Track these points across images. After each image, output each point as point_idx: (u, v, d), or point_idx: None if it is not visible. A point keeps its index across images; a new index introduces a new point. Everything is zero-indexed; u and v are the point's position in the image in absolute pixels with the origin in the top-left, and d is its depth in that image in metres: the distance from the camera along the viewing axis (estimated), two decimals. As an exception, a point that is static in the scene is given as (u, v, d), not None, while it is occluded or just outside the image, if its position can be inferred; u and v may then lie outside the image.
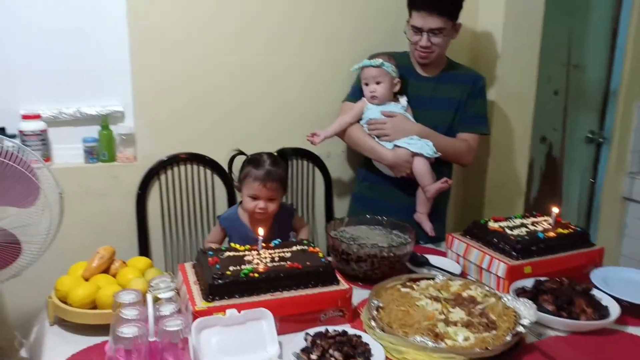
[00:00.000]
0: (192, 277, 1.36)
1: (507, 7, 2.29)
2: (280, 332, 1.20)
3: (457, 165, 2.15)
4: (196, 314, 1.19)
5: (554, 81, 2.80)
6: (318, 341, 1.18)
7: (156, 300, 1.18)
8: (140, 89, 1.99)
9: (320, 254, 1.42)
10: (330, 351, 1.14)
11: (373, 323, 1.26)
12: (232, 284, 1.26)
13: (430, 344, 1.15)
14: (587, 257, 1.61)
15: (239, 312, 1.20)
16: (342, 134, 2.03)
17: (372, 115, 1.96)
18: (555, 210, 1.69)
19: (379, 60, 1.92)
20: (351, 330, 1.24)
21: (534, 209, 2.61)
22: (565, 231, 1.63)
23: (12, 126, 1.87)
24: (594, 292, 1.43)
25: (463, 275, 1.63)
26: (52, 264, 1.44)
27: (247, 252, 1.40)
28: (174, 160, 2.06)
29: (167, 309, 1.14)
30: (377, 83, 1.94)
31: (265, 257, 1.37)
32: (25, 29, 1.85)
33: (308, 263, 1.35)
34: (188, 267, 1.42)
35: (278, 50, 2.13)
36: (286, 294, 1.28)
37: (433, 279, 1.46)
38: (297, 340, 1.20)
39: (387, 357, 1.16)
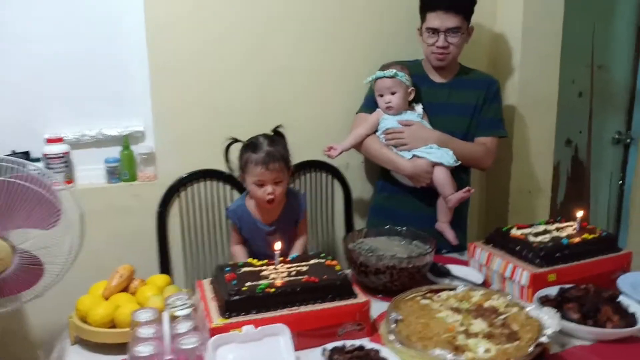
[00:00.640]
0: (209, 293, 1.37)
1: (526, 9, 2.26)
2: (297, 347, 1.19)
3: (479, 172, 2.11)
4: (213, 331, 1.19)
5: (578, 83, 2.74)
6: (335, 356, 1.16)
7: (173, 318, 1.18)
8: (160, 109, 2.03)
9: (338, 267, 1.41)
10: (348, 366, 1.12)
11: (392, 336, 1.24)
12: (249, 299, 1.26)
13: (449, 356, 1.12)
14: (614, 263, 1.56)
15: (256, 328, 1.20)
16: (358, 146, 2.03)
17: (389, 125, 1.95)
18: (579, 214, 1.64)
19: (392, 71, 1.91)
20: (369, 344, 1.22)
21: (561, 213, 2.56)
22: (591, 236, 1.58)
23: (37, 149, 1.93)
24: (621, 298, 1.38)
25: (486, 284, 1.59)
26: (75, 282, 1.46)
27: (264, 267, 1.40)
28: (193, 177, 2.08)
29: (183, 327, 1.15)
30: (392, 93, 1.93)
31: (282, 272, 1.37)
32: (47, 53, 1.91)
33: (325, 276, 1.34)
34: (206, 283, 1.43)
35: (294, 66, 2.15)
36: (303, 309, 1.28)
37: (454, 289, 1.43)
38: (314, 356, 1.18)
39: (405, 371, 1.14)
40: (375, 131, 1.99)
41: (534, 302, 1.36)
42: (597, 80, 2.78)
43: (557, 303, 1.36)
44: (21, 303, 1.39)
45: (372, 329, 1.34)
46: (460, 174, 1.98)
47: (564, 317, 1.29)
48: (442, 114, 1.99)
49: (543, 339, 1.17)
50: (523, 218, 2.21)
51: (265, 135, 1.71)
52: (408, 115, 1.95)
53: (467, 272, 1.65)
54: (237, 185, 2.11)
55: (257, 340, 1.19)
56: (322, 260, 1.45)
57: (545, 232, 1.62)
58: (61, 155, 1.92)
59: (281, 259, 1.43)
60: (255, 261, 1.44)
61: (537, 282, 1.45)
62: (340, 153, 1.98)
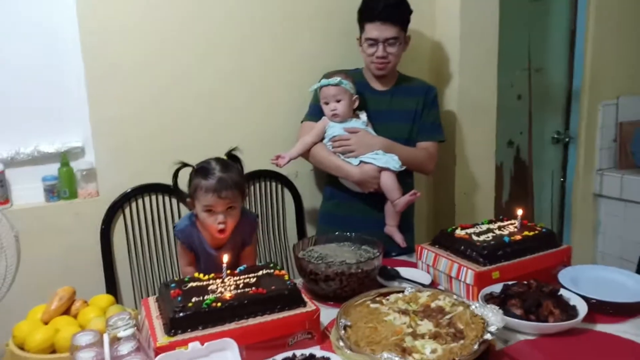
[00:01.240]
0: (155, 311, 1.33)
1: (462, 18, 2.33)
2: (246, 360, 1.18)
3: (424, 176, 2.16)
4: (158, 350, 1.16)
5: (516, 86, 2.85)
6: (284, 367, 1.15)
7: (116, 339, 1.14)
8: (98, 123, 1.97)
9: (286, 277, 1.40)
10: (297, 376, 1.11)
11: (341, 343, 1.24)
12: (195, 315, 1.22)
13: (397, 359, 1.13)
14: (554, 258, 1.61)
15: (202, 344, 1.17)
16: (306, 154, 2.03)
17: (335, 133, 1.97)
18: (520, 212, 1.69)
19: (337, 79, 1.93)
20: (320, 353, 1.21)
21: (506, 213, 2.64)
22: (532, 233, 1.63)
23: (-32, 170, 1.84)
24: (562, 292, 1.42)
25: (434, 285, 1.62)
26: (13, 307, 1.40)
27: (211, 281, 1.37)
28: (137, 192, 2.03)
29: (125, 348, 1.11)
30: (337, 101, 1.95)
31: (230, 285, 1.35)
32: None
33: (273, 287, 1.33)
34: (151, 301, 1.39)
35: (238, 76, 2.14)
36: (251, 321, 1.26)
37: (403, 291, 1.44)
38: (264, 368, 1.17)
39: (355, 377, 1.14)
40: (322, 139, 2.00)
41: (479, 300, 1.38)
42: (535, 83, 2.89)
43: (501, 300, 1.39)
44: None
45: (322, 337, 1.33)
46: (405, 178, 2.02)
47: (508, 313, 1.32)
48: (385, 120, 2.02)
49: (487, 336, 1.19)
50: (469, 219, 2.27)
51: (217, 160, 1.57)
52: (353, 123, 1.97)
53: (416, 274, 1.67)
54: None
55: (204, 356, 1.16)
56: (271, 271, 1.43)
57: (488, 231, 1.66)
58: (-5, 175, 1.83)
59: (229, 271, 1.41)
60: (202, 275, 1.41)
61: (481, 281, 1.48)
62: (289, 162, 1.98)
